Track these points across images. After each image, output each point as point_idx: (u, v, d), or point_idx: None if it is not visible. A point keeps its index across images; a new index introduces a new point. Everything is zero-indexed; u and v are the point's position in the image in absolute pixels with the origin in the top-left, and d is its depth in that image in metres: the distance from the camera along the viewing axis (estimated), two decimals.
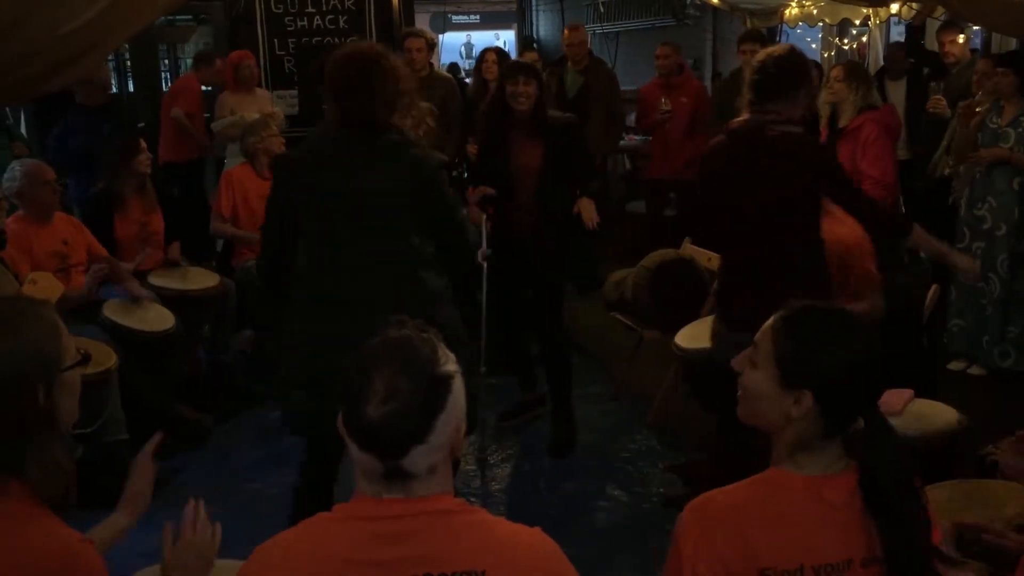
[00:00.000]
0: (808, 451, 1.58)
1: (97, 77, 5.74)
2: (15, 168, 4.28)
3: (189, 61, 9.65)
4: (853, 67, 4.91)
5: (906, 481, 1.54)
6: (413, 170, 2.76)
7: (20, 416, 1.53)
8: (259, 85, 6.63)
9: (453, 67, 15.51)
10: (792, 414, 1.57)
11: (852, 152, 4.55)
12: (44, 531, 1.53)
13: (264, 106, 6.27)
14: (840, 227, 3.63)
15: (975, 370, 4.93)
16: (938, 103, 5.45)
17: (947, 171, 5.33)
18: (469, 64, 17.96)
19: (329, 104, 2.88)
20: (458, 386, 1.42)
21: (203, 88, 7.10)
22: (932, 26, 7.45)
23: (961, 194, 4.98)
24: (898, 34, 8.93)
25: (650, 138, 7.09)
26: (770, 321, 1.65)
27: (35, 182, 4.22)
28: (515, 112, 4.13)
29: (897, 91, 6.58)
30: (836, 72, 4.79)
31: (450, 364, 1.42)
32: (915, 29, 7.77)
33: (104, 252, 4.52)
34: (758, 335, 1.65)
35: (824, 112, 4.93)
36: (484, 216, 4.28)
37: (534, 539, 1.45)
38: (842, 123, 4.68)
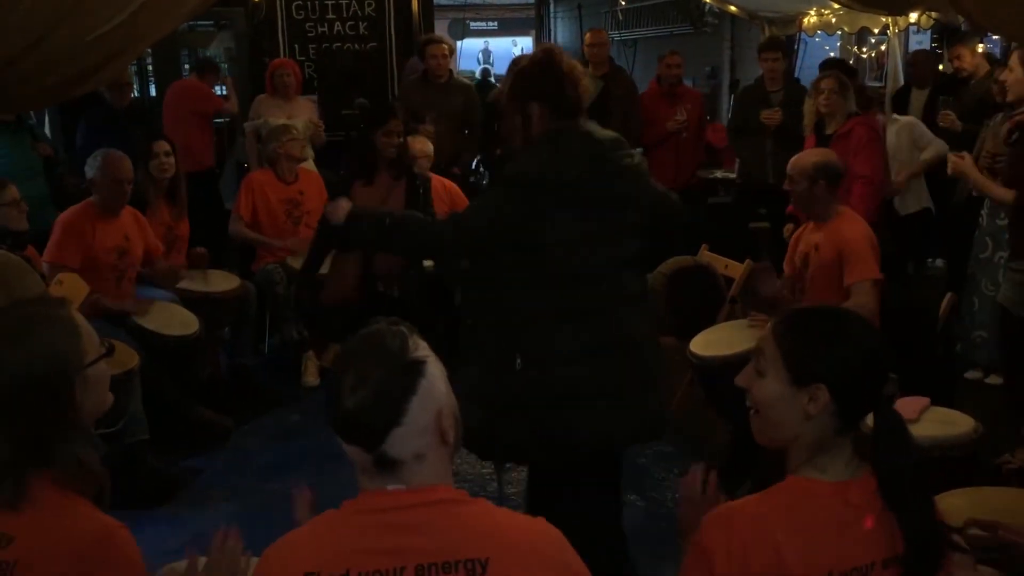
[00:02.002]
0: (825, 452, 1.60)
1: (125, 79, 5.83)
2: (97, 157, 4.32)
3: None
4: (841, 80, 5.07)
5: (922, 471, 1.56)
6: None
7: (41, 416, 1.57)
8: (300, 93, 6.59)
9: (484, 72, 15.67)
10: (810, 412, 1.58)
11: (844, 154, 4.62)
12: (79, 514, 1.57)
13: (299, 114, 6.28)
14: (852, 225, 3.65)
15: (992, 379, 4.91)
16: (945, 117, 5.48)
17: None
18: (487, 70, 18.05)
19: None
20: (432, 371, 1.46)
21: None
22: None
23: (988, 203, 4.97)
24: (917, 43, 8.89)
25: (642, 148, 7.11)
26: (769, 327, 1.67)
27: (107, 177, 4.27)
28: None
29: (919, 100, 6.56)
30: (830, 84, 4.98)
31: (421, 351, 1.47)
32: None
33: (159, 251, 4.59)
34: (760, 341, 1.67)
35: (810, 120, 5.09)
36: None
37: (537, 527, 1.48)
38: (831, 129, 4.92)
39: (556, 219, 2.53)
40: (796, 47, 9.03)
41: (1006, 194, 3.95)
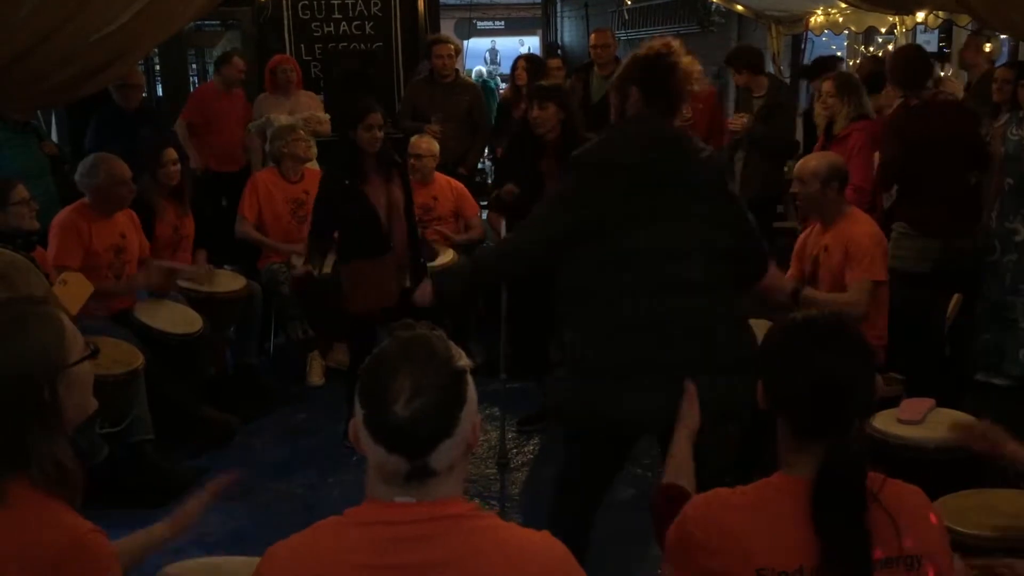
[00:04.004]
0: (796, 452, 1.64)
1: (135, 81, 5.80)
2: (95, 164, 4.30)
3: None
4: (842, 80, 5.04)
5: (855, 494, 1.57)
6: None
7: (23, 414, 1.56)
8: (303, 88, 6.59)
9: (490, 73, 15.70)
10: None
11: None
12: (52, 517, 1.55)
13: (301, 109, 6.28)
14: (859, 225, 3.64)
15: (1000, 380, 4.89)
16: None
17: (974, 181, 5.32)
18: (491, 69, 18.05)
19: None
20: (471, 380, 1.45)
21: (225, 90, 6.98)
22: (959, 35, 7.42)
23: (995, 207, 4.95)
24: (924, 42, 8.86)
25: None
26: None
27: (116, 181, 4.27)
28: (541, 137, 4.12)
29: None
30: (827, 87, 4.98)
31: (463, 360, 1.44)
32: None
33: (147, 252, 4.59)
34: None
35: (821, 123, 5.09)
36: (503, 221, 4.31)
37: (544, 543, 1.46)
38: (835, 131, 4.92)
39: (619, 198, 2.60)
40: (803, 47, 9.02)
41: None
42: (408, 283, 4.30)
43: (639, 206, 2.60)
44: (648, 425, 2.71)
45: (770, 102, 6.02)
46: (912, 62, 4.84)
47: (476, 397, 1.45)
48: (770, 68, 8.96)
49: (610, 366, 2.63)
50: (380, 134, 4.16)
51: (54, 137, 6.78)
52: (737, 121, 5.82)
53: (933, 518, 1.64)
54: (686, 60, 2.69)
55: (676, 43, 2.74)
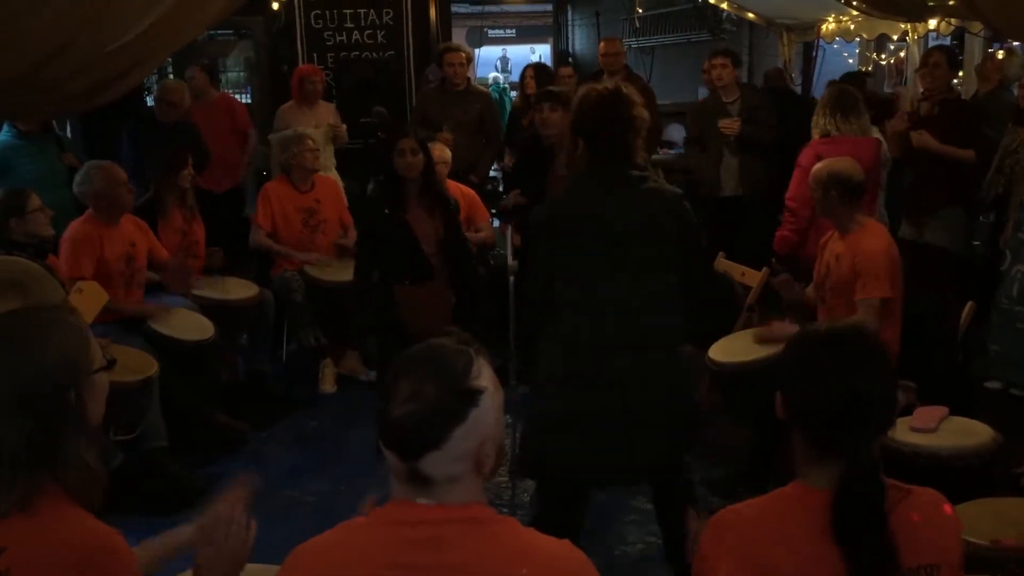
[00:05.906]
0: (812, 465, 1.63)
1: (175, 100, 5.82)
2: (91, 171, 4.37)
3: (230, 75, 9.81)
4: (825, 98, 4.85)
5: (878, 507, 1.55)
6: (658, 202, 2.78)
7: (54, 418, 1.60)
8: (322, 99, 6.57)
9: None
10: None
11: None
12: (73, 522, 1.57)
13: (323, 120, 6.31)
14: (871, 239, 3.62)
15: (1016, 390, 4.86)
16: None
17: (1000, 190, 5.30)
18: (504, 77, 18.08)
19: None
20: (488, 403, 1.43)
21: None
22: (971, 42, 7.41)
23: (1013, 217, 4.93)
24: None
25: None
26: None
27: (114, 183, 4.33)
28: (546, 140, 4.11)
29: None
30: None
31: (483, 380, 1.43)
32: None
33: (164, 255, 4.63)
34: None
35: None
36: (510, 228, 4.29)
37: (563, 551, 1.47)
38: None
39: (568, 253, 2.74)
40: (814, 54, 9.01)
41: (965, 153, 5.15)
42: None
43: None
44: None
45: (749, 103, 5.98)
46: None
47: (493, 420, 1.44)
48: None
49: None
50: (414, 158, 3.97)
51: None
52: (732, 125, 5.78)
53: (955, 527, 1.63)
54: (629, 110, 2.74)
55: (621, 86, 2.82)
